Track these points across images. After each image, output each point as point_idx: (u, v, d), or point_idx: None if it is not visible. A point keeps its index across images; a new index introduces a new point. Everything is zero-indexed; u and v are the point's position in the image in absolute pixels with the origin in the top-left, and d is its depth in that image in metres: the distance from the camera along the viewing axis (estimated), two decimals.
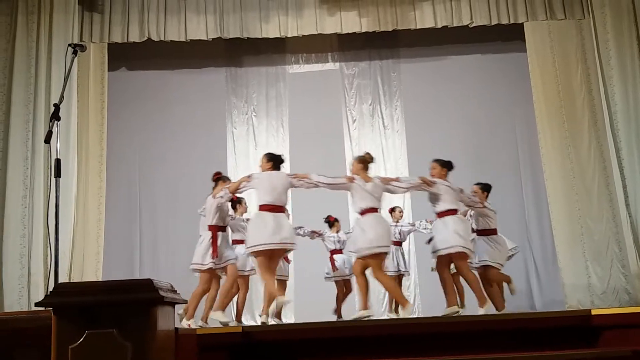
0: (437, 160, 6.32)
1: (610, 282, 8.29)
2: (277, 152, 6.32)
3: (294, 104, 9.62)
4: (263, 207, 5.80)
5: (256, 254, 5.76)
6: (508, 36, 9.35)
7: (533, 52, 8.94)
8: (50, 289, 2.95)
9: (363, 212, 5.87)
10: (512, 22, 8.86)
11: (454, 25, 8.87)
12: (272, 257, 5.84)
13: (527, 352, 4.13)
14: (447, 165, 6.30)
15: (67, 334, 2.78)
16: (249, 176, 6.06)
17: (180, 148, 9.42)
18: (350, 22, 8.91)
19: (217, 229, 6.03)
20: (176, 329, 3.30)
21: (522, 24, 8.93)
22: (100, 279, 8.00)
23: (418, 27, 8.92)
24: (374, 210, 5.87)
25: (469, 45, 9.59)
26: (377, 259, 5.78)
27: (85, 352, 2.75)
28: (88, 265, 8.27)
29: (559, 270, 8.50)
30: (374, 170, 9.26)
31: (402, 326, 4.63)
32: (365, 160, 6.08)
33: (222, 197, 6.05)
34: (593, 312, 4.46)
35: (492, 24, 8.87)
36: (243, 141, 9.56)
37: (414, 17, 8.89)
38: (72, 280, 7.68)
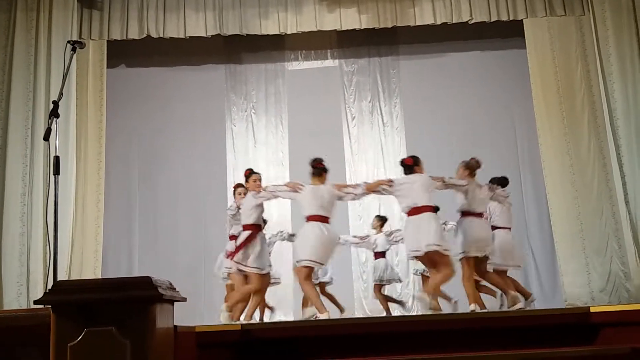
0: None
1: (610, 279, 8.29)
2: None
3: (293, 101, 9.62)
4: (414, 211, 5.77)
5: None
6: (507, 33, 9.35)
7: (532, 49, 8.94)
8: (49, 286, 2.95)
9: (467, 215, 6.07)
10: (511, 18, 8.86)
11: (454, 21, 8.88)
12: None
13: (526, 350, 4.13)
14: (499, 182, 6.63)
15: (66, 331, 2.77)
16: (390, 180, 6.06)
17: (179, 145, 9.42)
18: (349, 18, 8.90)
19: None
20: (175, 326, 3.29)
21: (522, 20, 8.93)
22: (99, 277, 8.00)
23: (417, 23, 8.93)
24: (479, 215, 6.10)
25: (468, 42, 9.58)
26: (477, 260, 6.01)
27: (84, 350, 2.75)
28: (87, 263, 8.27)
29: (558, 267, 8.51)
30: (374, 167, 9.37)
31: (401, 324, 4.64)
32: (472, 166, 6.21)
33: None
34: (592, 310, 4.45)
35: (492, 20, 8.87)
36: (242, 138, 9.56)
37: (414, 14, 8.89)
38: (71, 278, 7.68)
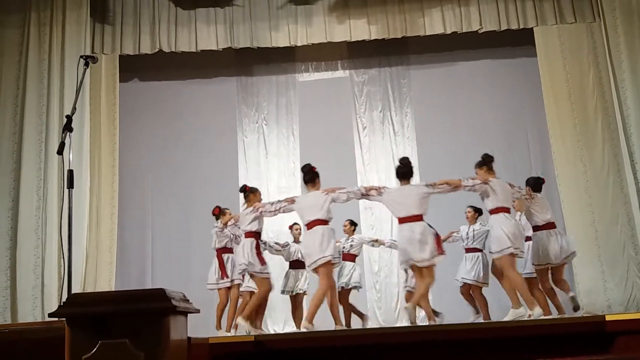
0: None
1: (627, 286, 8.21)
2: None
3: (304, 112, 9.65)
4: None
5: None
6: (518, 41, 9.33)
7: (543, 57, 8.91)
8: (64, 299, 2.97)
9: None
10: (521, 27, 8.86)
11: (464, 30, 8.89)
12: None
13: (541, 359, 4.10)
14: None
15: (80, 344, 2.79)
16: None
17: (191, 157, 9.47)
18: (359, 29, 8.93)
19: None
20: (189, 338, 3.30)
21: (532, 28, 8.91)
22: (113, 289, 8.04)
23: (427, 33, 8.94)
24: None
25: (478, 51, 9.56)
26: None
27: None
28: (101, 275, 8.32)
29: (574, 275, 8.42)
30: (385, 177, 9.35)
31: (414, 334, 4.61)
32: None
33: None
34: (607, 318, 4.41)
35: (502, 29, 8.87)
36: (254, 150, 9.59)
37: (423, 24, 8.90)
38: (85, 291, 7.73)
